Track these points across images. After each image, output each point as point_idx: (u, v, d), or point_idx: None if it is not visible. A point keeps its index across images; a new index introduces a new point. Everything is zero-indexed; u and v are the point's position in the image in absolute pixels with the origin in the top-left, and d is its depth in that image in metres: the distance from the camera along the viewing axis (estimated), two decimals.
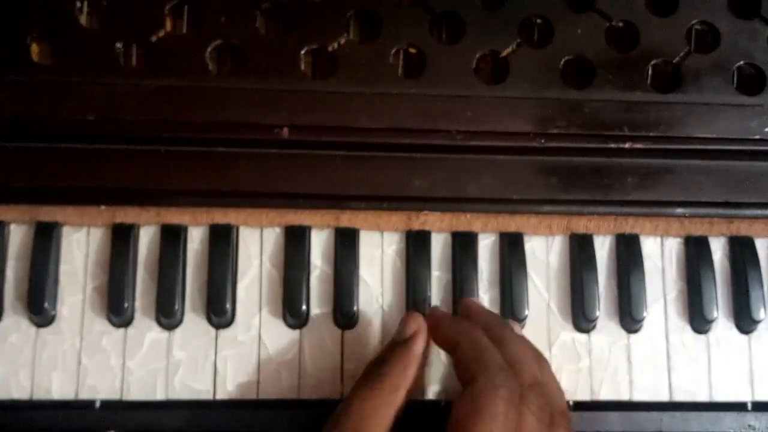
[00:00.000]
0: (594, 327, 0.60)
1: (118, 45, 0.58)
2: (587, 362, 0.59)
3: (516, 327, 0.57)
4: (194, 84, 0.58)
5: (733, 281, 0.61)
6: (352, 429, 0.48)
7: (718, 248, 0.62)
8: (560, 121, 0.60)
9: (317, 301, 0.58)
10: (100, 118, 0.57)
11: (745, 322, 0.60)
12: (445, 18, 0.62)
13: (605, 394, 0.59)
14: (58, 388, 0.56)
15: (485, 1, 0.61)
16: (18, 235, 0.58)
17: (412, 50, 0.61)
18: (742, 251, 0.61)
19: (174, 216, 0.58)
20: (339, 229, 0.59)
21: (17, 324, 0.56)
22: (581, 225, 0.61)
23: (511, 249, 0.59)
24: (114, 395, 0.56)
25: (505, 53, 0.61)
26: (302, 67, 0.59)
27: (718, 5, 0.63)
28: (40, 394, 0.56)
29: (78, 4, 0.59)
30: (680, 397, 0.59)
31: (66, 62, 0.58)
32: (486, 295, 0.59)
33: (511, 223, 0.61)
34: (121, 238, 0.57)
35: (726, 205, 0.61)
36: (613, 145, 0.60)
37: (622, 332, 0.60)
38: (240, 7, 0.59)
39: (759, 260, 0.61)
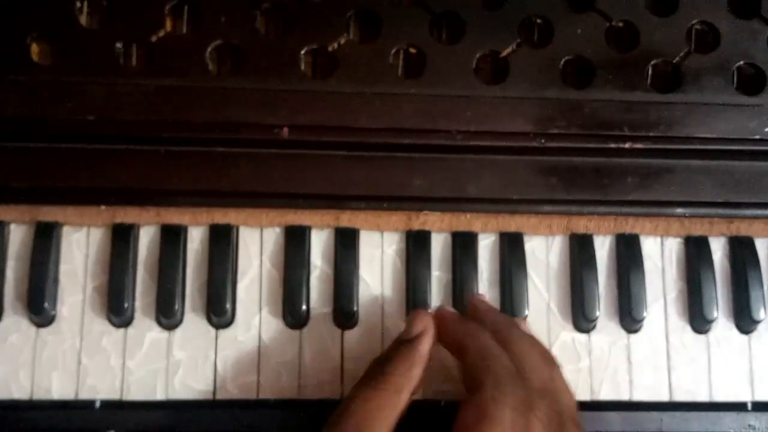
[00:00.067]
0: (594, 327, 0.60)
1: (118, 45, 0.58)
2: (587, 362, 0.59)
3: (524, 325, 0.56)
4: (194, 84, 0.58)
5: (733, 281, 0.61)
6: (353, 430, 0.47)
7: (718, 248, 0.62)
8: (560, 121, 0.60)
9: (317, 301, 0.58)
10: (100, 118, 0.57)
11: (745, 322, 0.60)
12: (445, 18, 0.62)
13: (605, 394, 0.59)
14: (58, 388, 0.56)
15: (485, 1, 0.61)
16: (18, 235, 0.58)
17: (412, 50, 0.61)
18: (742, 251, 0.61)
19: (174, 216, 0.58)
20: (339, 229, 0.59)
21: (17, 324, 0.56)
22: (581, 225, 0.61)
23: (511, 249, 0.59)
24: (114, 395, 0.56)
25: (505, 53, 0.61)
26: (302, 67, 0.59)
27: (718, 5, 0.63)
28: (40, 394, 0.56)
29: (78, 4, 0.59)
30: (680, 397, 0.59)
31: (66, 62, 0.58)
32: (486, 295, 0.59)
33: (511, 223, 0.61)
34: (121, 238, 0.57)
35: (726, 205, 0.61)
36: (613, 145, 0.60)
37: (622, 332, 0.60)
38: (240, 7, 0.59)
39: (759, 260, 0.61)
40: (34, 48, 0.59)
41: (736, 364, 0.60)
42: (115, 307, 0.56)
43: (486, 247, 0.60)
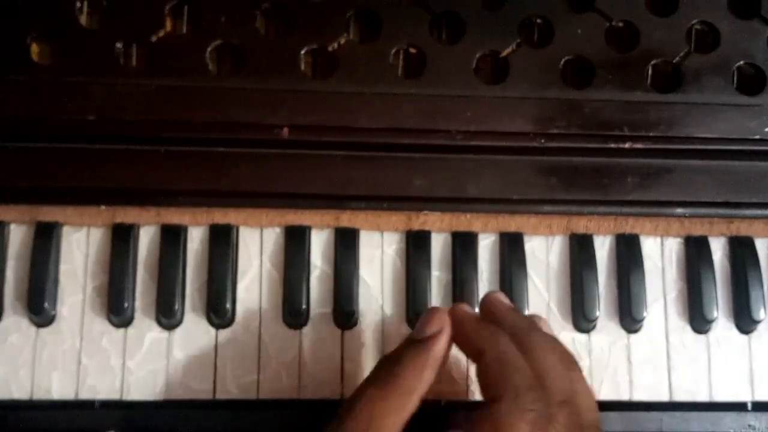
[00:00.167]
0: (594, 327, 0.60)
1: (118, 45, 0.58)
2: (587, 362, 0.59)
3: (544, 325, 0.52)
4: (194, 84, 0.58)
5: (733, 281, 0.61)
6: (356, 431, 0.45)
7: (718, 248, 0.62)
8: (560, 121, 0.60)
9: (317, 301, 0.58)
10: (101, 118, 0.57)
11: (745, 322, 0.60)
12: (445, 18, 0.62)
13: (605, 394, 0.59)
14: (58, 388, 0.56)
15: (485, 1, 0.61)
16: (18, 235, 0.58)
17: (412, 50, 0.61)
18: (742, 251, 0.61)
19: (174, 216, 0.58)
20: (339, 229, 0.59)
21: (17, 324, 0.56)
22: (581, 225, 0.61)
23: (511, 249, 0.59)
24: (114, 395, 0.56)
25: (505, 53, 0.61)
26: (302, 67, 0.59)
27: (718, 5, 0.63)
28: (40, 394, 0.56)
29: (78, 4, 0.59)
30: (680, 397, 0.59)
31: (66, 62, 0.58)
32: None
33: (511, 223, 0.61)
34: (121, 238, 0.57)
35: (726, 205, 0.61)
36: (613, 145, 0.60)
37: (622, 332, 0.60)
38: (240, 7, 0.59)
39: (759, 260, 0.61)
40: (34, 48, 0.59)
41: (736, 364, 0.60)
42: (115, 307, 0.56)
43: (486, 247, 0.60)
